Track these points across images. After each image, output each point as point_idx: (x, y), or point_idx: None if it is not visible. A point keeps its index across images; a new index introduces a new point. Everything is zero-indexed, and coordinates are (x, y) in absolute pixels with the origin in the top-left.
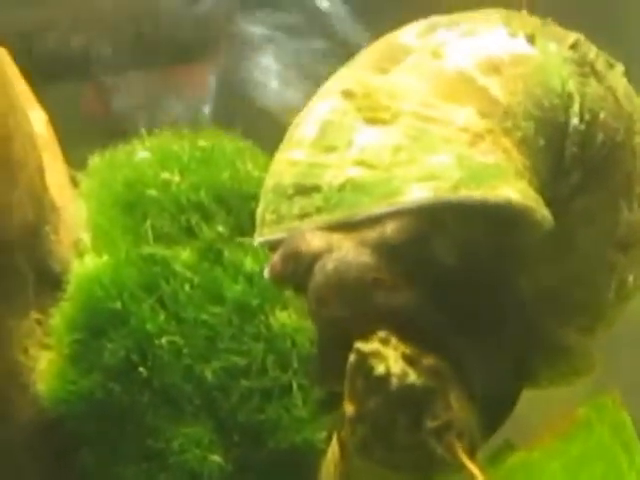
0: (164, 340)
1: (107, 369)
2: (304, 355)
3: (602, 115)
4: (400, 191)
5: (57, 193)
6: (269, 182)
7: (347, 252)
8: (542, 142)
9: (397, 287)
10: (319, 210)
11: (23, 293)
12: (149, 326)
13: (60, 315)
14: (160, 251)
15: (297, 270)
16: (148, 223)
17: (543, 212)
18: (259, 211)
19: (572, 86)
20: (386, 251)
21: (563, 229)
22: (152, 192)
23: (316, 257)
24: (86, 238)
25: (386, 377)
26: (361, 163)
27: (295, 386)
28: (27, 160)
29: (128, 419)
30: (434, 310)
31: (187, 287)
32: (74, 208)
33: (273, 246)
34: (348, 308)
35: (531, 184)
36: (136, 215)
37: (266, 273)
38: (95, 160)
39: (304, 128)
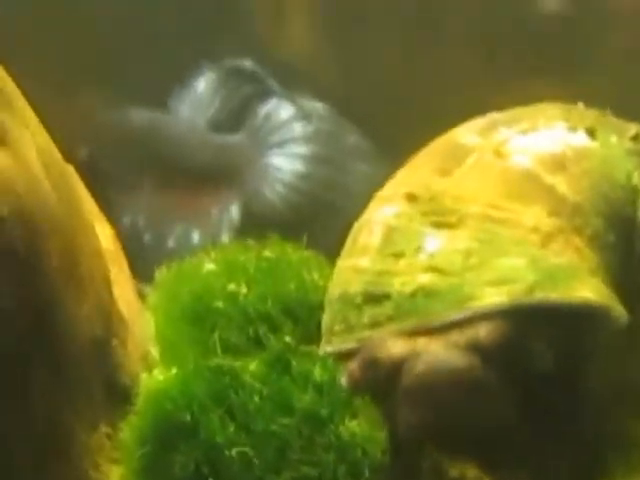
0: (234, 451)
1: None
2: (376, 465)
3: None
4: (474, 296)
5: (125, 306)
6: (334, 291)
7: (438, 354)
8: (612, 238)
9: (495, 393)
10: (391, 318)
11: (92, 406)
12: (219, 438)
13: (129, 428)
14: (228, 362)
15: (378, 377)
16: (216, 335)
17: (619, 309)
18: (326, 320)
19: (637, 178)
20: (480, 354)
21: (635, 323)
22: (219, 304)
23: (398, 363)
24: (154, 351)
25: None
26: (432, 269)
27: None
28: (95, 274)
29: None
30: (523, 417)
31: (256, 398)
32: (142, 321)
33: (343, 356)
34: (439, 412)
35: (604, 281)
36: (204, 327)
37: (344, 381)
38: (162, 273)
39: (368, 234)
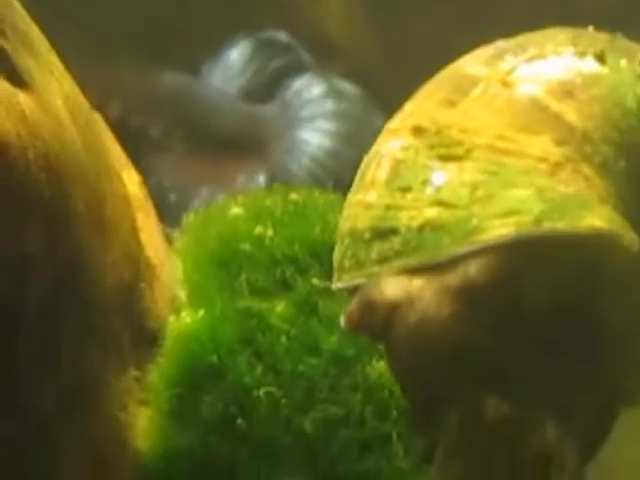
0: (262, 392)
1: (206, 423)
2: (403, 405)
3: None
4: (481, 229)
5: (152, 251)
6: (344, 226)
7: (429, 304)
8: (623, 165)
9: (485, 337)
10: (398, 254)
11: (120, 350)
12: (246, 379)
13: (158, 371)
14: (256, 305)
15: (373, 321)
16: (243, 277)
17: (631, 236)
18: (336, 256)
19: None
20: (471, 297)
21: None
22: (246, 247)
23: (393, 308)
24: (182, 295)
25: (480, 409)
26: (439, 203)
27: (395, 436)
28: (121, 221)
29: (229, 473)
30: (527, 352)
31: (283, 339)
32: (169, 266)
33: (353, 292)
34: (432, 362)
35: (616, 209)
36: (231, 270)
37: (342, 323)
38: (189, 217)
39: (376, 168)
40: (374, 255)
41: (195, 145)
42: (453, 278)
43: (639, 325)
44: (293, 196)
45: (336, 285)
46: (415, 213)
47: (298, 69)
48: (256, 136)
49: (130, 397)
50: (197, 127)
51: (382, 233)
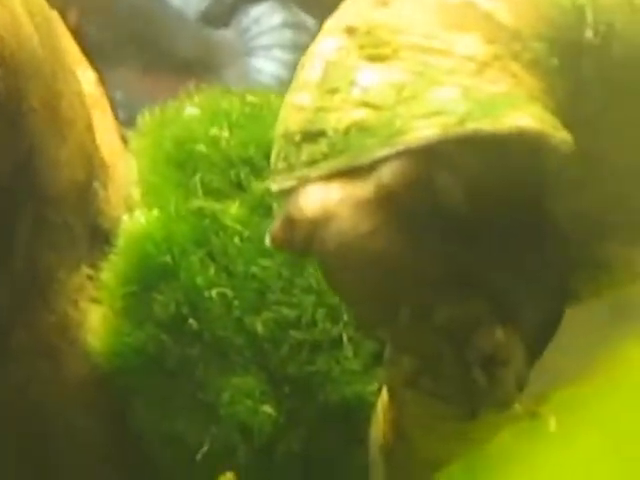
0: (214, 293)
1: (158, 322)
2: None
3: (618, 26)
4: (405, 130)
5: (107, 151)
6: (279, 128)
7: (345, 222)
8: (556, 62)
9: (410, 247)
10: (326, 156)
11: (74, 248)
12: (199, 279)
13: (111, 270)
14: (210, 205)
15: (295, 239)
16: (197, 178)
17: (560, 135)
18: (272, 158)
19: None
20: (387, 207)
21: (593, 150)
22: (201, 148)
23: (312, 226)
24: (136, 194)
25: (429, 311)
26: (365, 104)
27: (345, 339)
28: (76, 118)
29: (179, 372)
30: (459, 252)
31: (237, 240)
32: (124, 165)
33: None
34: (361, 282)
35: (546, 107)
36: (186, 171)
37: (267, 241)
38: (145, 118)
39: (309, 69)
40: (304, 157)
41: (149, 64)
42: (368, 188)
43: (584, 225)
44: (249, 98)
45: (271, 187)
46: (342, 115)
47: None
48: (212, 60)
49: (82, 295)
50: (152, 45)
51: (311, 135)
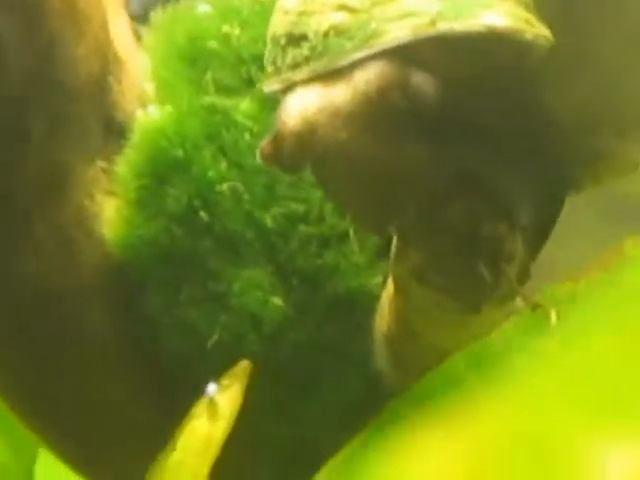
0: (225, 186)
1: (170, 215)
2: None
3: None
4: (379, 32)
5: (121, 47)
6: (269, 31)
7: (325, 132)
8: None
9: (394, 148)
10: (307, 60)
11: (89, 141)
12: (211, 173)
13: (125, 163)
14: (221, 101)
15: (283, 154)
16: (209, 75)
17: (534, 30)
18: (264, 61)
19: None
20: (364, 109)
21: (578, 40)
22: (213, 45)
23: (296, 139)
24: (150, 90)
25: (438, 205)
26: (343, 7)
27: (352, 233)
28: (92, 14)
29: (191, 263)
30: (447, 154)
31: (247, 135)
32: (137, 61)
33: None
34: (355, 191)
35: (521, 3)
36: (198, 67)
37: (258, 156)
38: (157, 14)
39: None
40: (288, 60)
41: None
42: (345, 95)
43: (580, 115)
44: None
45: (263, 89)
46: (322, 18)
47: None
48: None
49: (97, 187)
50: None
51: (295, 39)
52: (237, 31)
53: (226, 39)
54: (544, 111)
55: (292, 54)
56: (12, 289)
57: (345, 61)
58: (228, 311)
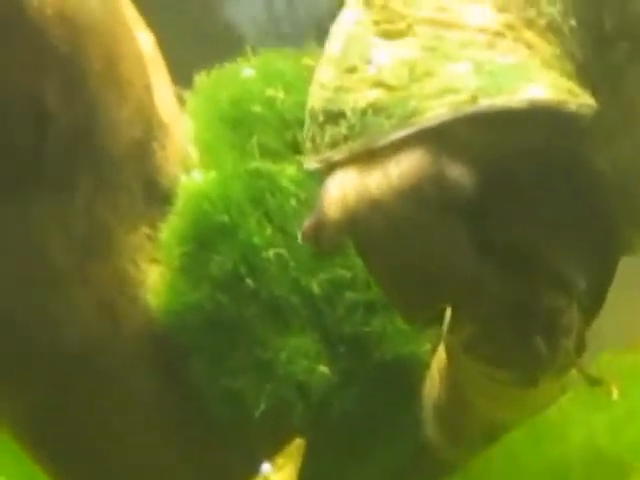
0: (271, 253)
1: (215, 281)
2: None
3: None
4: (419, 110)
5: (164, 111)
6: (308, 103)
7: (367, 225)
8: (573, 22)
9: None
10: (346, 138)
11: (132, 207)
12: (256, 239)
13: (169, 229)
14: (266, 166)
15: (325, 242)
16: (254, 139)
17: (578, 100)
18: (303, 135)
19: None
20: (400, 200)
21: (625, 100)
22: (257, 108)
23: (336, 228)
24: (193, 154)
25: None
26: (380, 84)
27: None
28: (135, 79)
29: (236, 330)
30: (496, 232)
31: (293, 201)
32: (181, 125)
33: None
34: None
35: (563, 72)
36: (242, 131)
37: (300, 239)
38: (201, 78)
39: (333, 42)
40: (327, 139)
41: None
42: (381, 185)
43: (630, 173)
44: (305, 60)
45: (305, 166)
46: (359, 96)
47: None
48: None
49: (141, 254)
50: None
51: (332, 116)
52: (281, 95)
53: (270, 103)
54: (592, 175)
55: (330, 132)
56: (56, 354)
57: (384, 141)
58: (275, 380)
